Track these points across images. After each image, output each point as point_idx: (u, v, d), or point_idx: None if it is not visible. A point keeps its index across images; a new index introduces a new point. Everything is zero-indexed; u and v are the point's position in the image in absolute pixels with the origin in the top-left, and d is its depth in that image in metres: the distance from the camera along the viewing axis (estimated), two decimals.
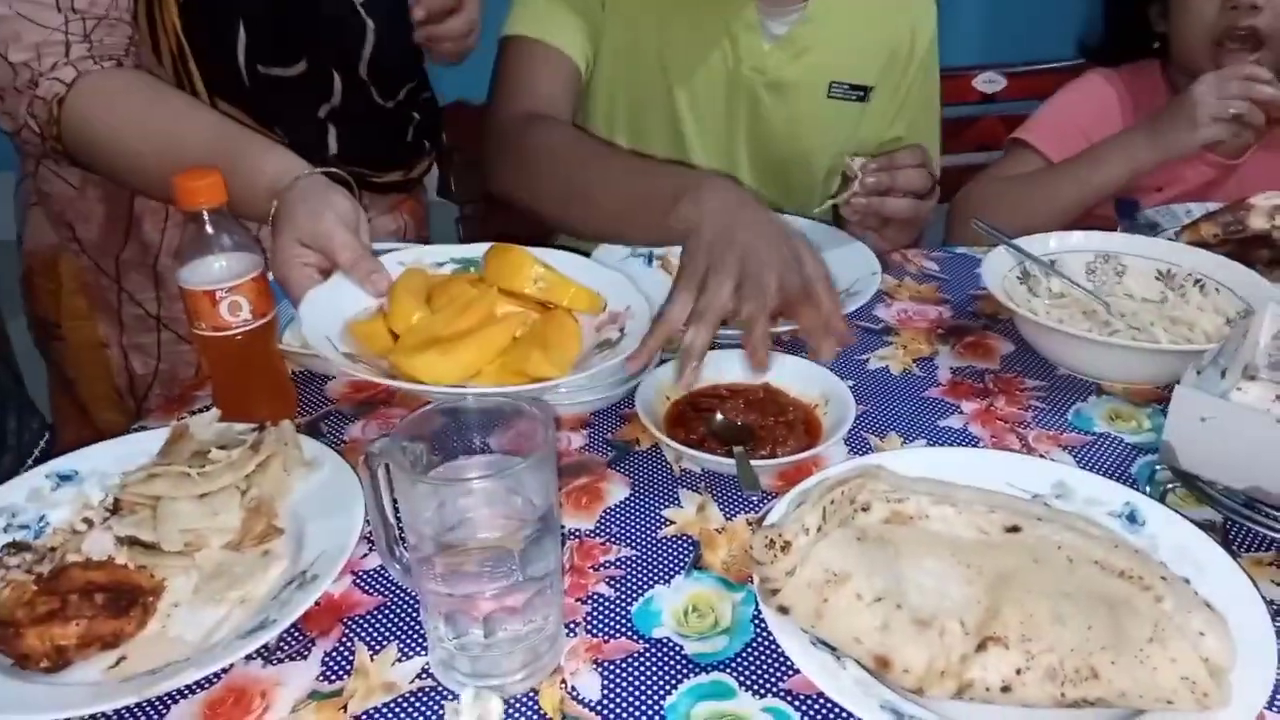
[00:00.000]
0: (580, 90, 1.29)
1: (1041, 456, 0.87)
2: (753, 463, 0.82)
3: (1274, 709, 0.63)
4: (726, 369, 0.94)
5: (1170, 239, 1.15)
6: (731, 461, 0.83)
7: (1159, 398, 0.96)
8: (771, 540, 0.64)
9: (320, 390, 0.99)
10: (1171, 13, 1.33)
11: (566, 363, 0.80)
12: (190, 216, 0.85)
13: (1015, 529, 0.70)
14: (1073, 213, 1.27)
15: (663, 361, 0.93)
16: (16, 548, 0.73)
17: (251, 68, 1.11)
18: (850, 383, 0.99)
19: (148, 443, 0.83)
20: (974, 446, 0.89)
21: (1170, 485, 0.81)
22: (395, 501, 0.65)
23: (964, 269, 1.22)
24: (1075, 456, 0.89)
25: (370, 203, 1.26)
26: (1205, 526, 0.73)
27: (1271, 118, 1.20)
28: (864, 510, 0.70)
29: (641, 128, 1.35)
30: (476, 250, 0.95)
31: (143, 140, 0.96)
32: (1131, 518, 0.74)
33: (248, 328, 0.86)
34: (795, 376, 0.93)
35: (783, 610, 0.64)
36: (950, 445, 0.89)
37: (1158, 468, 0.82)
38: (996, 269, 1.08)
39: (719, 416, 0.90)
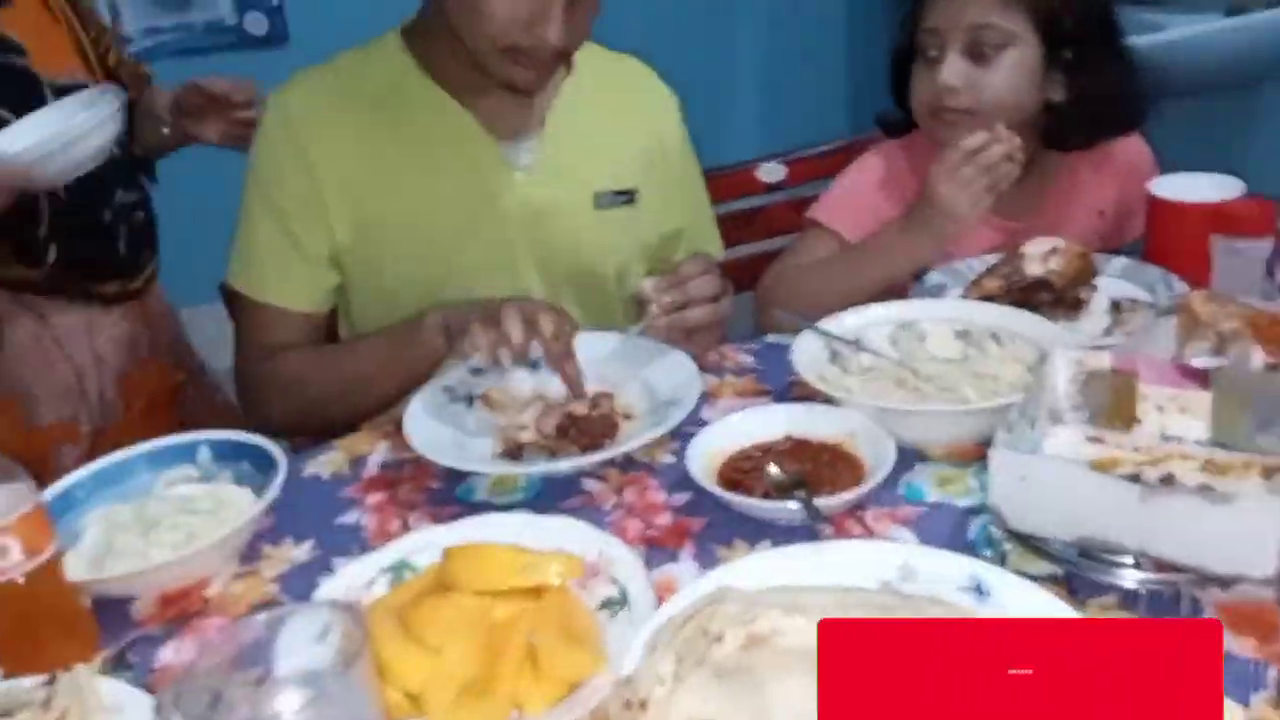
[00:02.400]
0: (320, 322, 1.33)
1: (882, 538, 0.88)
2: (823, 502, 0.89)
3: None
4: (750, 429, 1.02)
5: (961, 297, 1.20)
6: (796, 505, 0.88)
7: (979, 454, 0.98)
8: (628, 701, 0.61)
9: (124, 613, 0.90)
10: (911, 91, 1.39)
11: (600, 646, 0.74)
12: None
13: None
14: (870, 295, 1.30)
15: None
16: None
17: None
18: (689, 494, 0.98)
19: None
20: (816, 540, 0.88)
21: (1008, 547, 0.82)
22: None
23: (778, 357, 1.23)
24: (914, 530, 0.89)
25: (99, 314, 1.40)
26: (1050, 580, 0.74)
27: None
28: (718, 641, 0.67)
29: (406, 301, 1.25)
30: (395, 553, 0.88)
31: None
32: (978, 589, 0.74)
33: (22, 570, 0.77)
34: (810, 423, 1.01)
35: None
36: (793, 542, 0.88)
37: (992, 530, 0.83)
38: (806, 353, 1.09)
39: (773, 469, 0.96)
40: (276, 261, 1.27)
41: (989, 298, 1.16)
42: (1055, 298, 1.16)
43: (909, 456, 0.99)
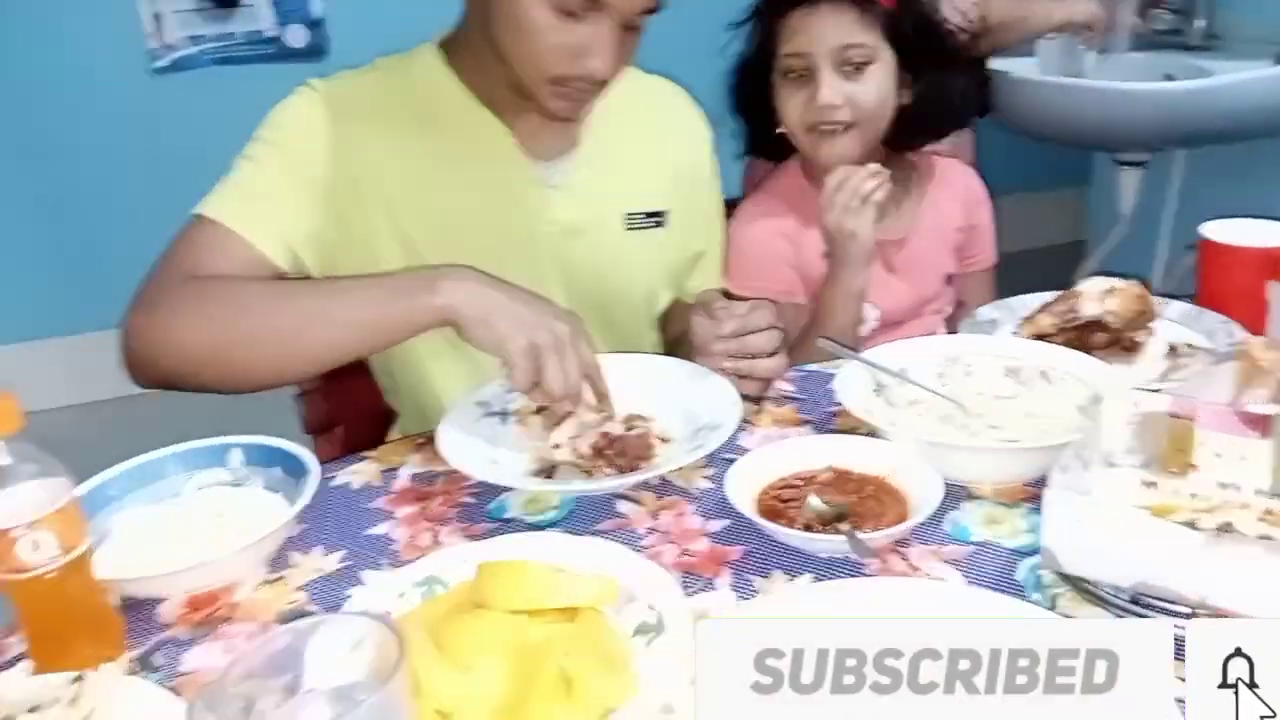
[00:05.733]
0: (266, 276, 1.14)
1: (927, 575, 0.85)
2: (867, 535, 0.87)
3: None
4: (792, 458, 1.00)
5: (1014, 333, 1.18)
6: (841, 539, 0.86)
7: (1029, 495, 0.96)
8: None
9: (151, 616, 0.88)
10: (779, 111, 1.42)
11: (634, 675, 0.73)
12: None
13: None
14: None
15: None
16: None
17: None
18: (727, 521, 0.96)
19: None
20: (859, 574, 0.86)
21: (1058, 590, 0.80)
22: None
23: (819, 387, 1.22)
24: (960, 569, 0.87)
25: None
26: None
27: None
28: None
29: None
30: (426, 568, 0.87)
31: None
32: None
33: (55, 565, 0.76)
34: (854, 455, 0.99)
35: None
36: (837, 576, 0.86)
37: (1042, 573, 0.81)
38: (851, 385, 1.07)
39: (815, 500, 0.93)
40: (265, 204, 1.15)
41: (1042, 336, 1.13)
42: (1111, 339, 1.13)
43: (956, 494, 0.97)
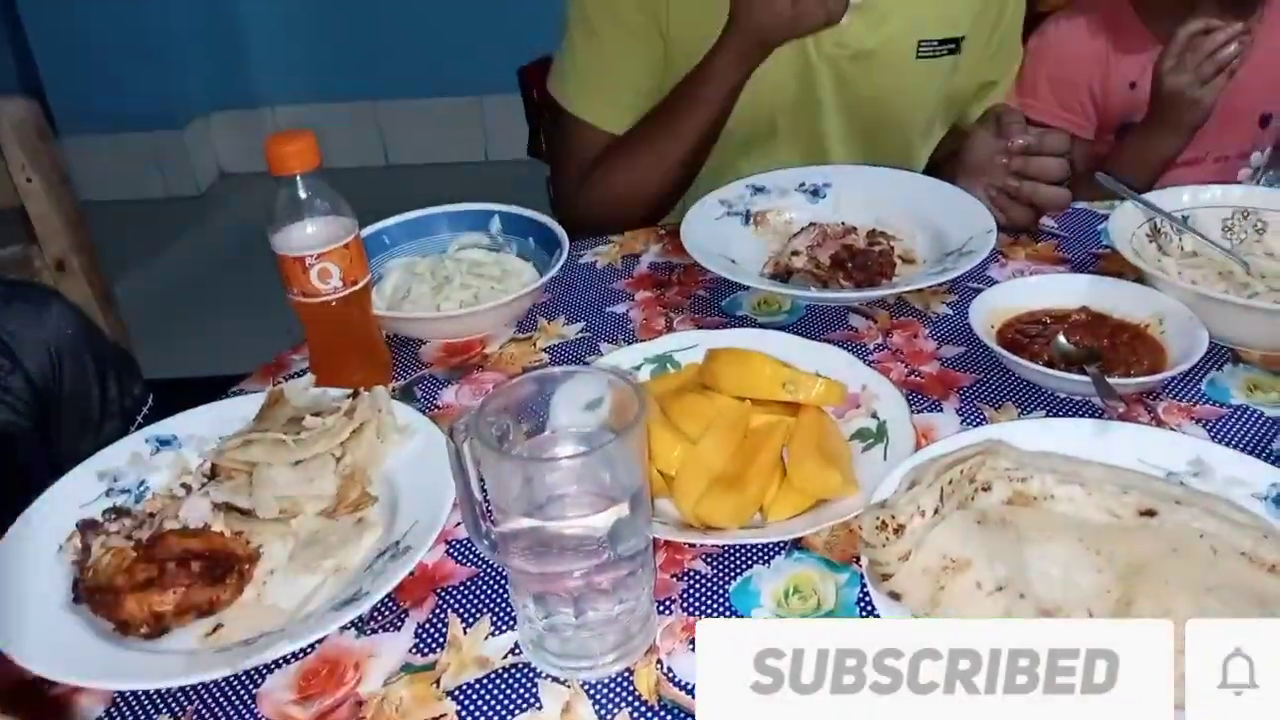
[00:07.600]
0: None
1: (1173, 430, 0.81)
2: (1116, 381, 0.83)
3: None
4: (1044, 294, 0.96)
5: None
6: (1086, 379, 0.83)
7: None
8: (883, 522, 0.60)
9: (414, 354, 0.98)
10: None
11: (851, 471, 0.75)
12: (283, 182, 0.84)
13: (1150, 513, 0.64)
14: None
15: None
16: (117, 513, 0.74)
17: None
18: (961, 349, 0.94)
19: (244, 408, 0.83)
20: (1099, 418, 0.83)
21: None
22: (482, 478, 0.63)
23: (1085, 226, 1.14)
24: (1210, 430, 0.82)
25: None
26: None
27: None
28: (984, 490, 0.65)
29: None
30: (660, 346, 0.91)
31: None
32: (1279, 501, 0.68)
33: (339, 294, 0.85)
34: (1114, 298, 0.94)
35: (894, 596, 0.60)
36: (1069, 416, 0.83)
37: None
38: (1124, 226, 1.00)
39: (1062, 339, 0.90)
40: (605, 81, 1.25)
41: None
42: None
43: (1219, 354, 0.90)
